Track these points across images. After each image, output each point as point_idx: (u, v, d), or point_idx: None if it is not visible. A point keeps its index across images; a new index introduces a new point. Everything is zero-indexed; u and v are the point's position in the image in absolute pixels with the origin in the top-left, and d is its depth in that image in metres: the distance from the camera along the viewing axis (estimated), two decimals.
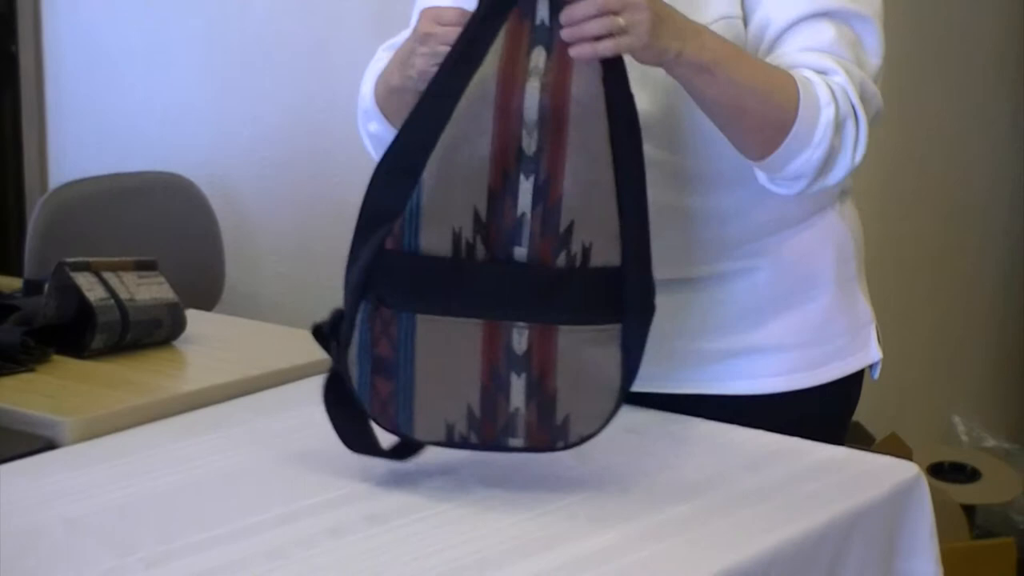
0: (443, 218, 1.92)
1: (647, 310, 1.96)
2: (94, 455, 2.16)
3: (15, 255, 3.22)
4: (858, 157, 2.13)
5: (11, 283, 2.87)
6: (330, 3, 3.32)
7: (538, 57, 1.91)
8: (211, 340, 2.61)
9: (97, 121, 3.69)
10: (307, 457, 2.12)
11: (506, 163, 1.92)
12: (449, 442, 1.98)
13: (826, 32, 2.16)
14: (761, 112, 2.07)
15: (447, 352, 1.95)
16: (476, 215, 1.92)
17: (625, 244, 1.93)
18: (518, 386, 1.94)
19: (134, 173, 3.41)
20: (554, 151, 1.91)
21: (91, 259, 2.56)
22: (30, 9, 3.73)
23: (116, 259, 2.58)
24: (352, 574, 1.77)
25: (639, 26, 1.91)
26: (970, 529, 3.56)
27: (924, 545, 2.08)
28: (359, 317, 1.95)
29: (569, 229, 1.92)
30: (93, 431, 2.22)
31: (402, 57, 2.12)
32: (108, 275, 2.53)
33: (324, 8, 3.33)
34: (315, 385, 2.36)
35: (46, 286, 2.59)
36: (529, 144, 1.91)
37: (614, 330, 1.94)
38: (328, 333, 2.01)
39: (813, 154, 2.09)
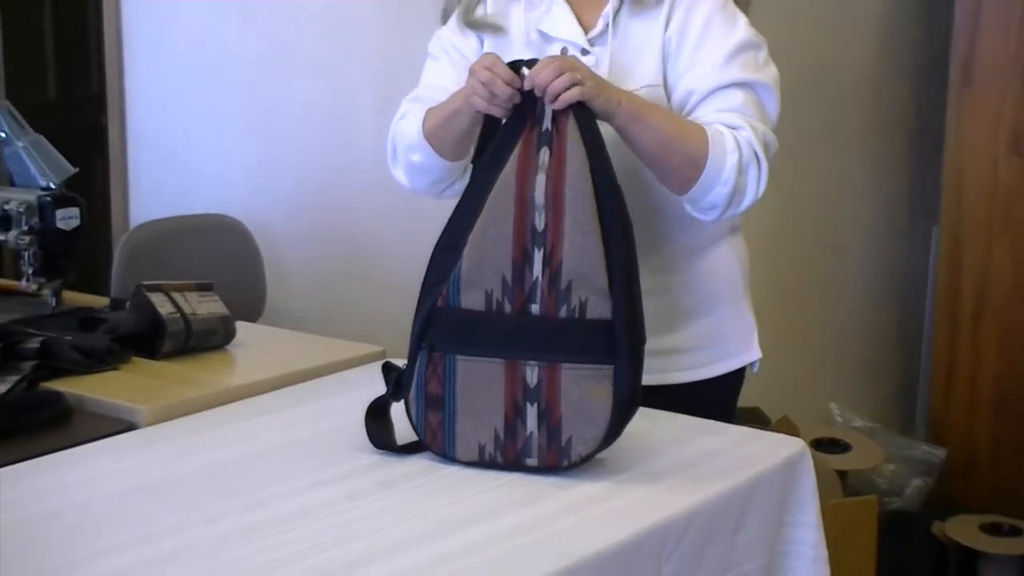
0: (479, 282, 1.96)
1: (636, 355, 1.97)
2: (163, 435, 2.15)
3: (104, 280, 3.19)
4: (760, 191, 2.18)
5: (101, 301, 2.86)
6: (347, 84, 3.30)
7: (543, 156, 1.97)
8: (255, 345, 2.60)
9: (167, 175, 3.67)
10: (330, 437, 2.12)
11: (524, 239, 1.96)
12: (481, 462, 1.98)
13: (736, 97, 2.20)
14: (681, 154, 2.13)
15: (479, 387, 1.97)
16: (504, 280, 1.96)
17: (615, 302, 1.94)
18: (532, 413, 1.95)
19: (195, 215, 3.40)
20: (555, 227, 1.95)
21: (162, 282, 2.54)
22: (116, 88, 3.72)
23: (181, 282, 2.56)
24: (364, 529, 1.76)
25: (588, 79, 2.00)
26: (843, 489, 3.56)
27: (808, 502, 2.07)
28: (418, 363, 1.99)
29: (568, 288, 1.95)
30: (163, 416, 2.21)
31: (464, 91, 2.11)
32: (175, 294, 2.52)
33: (343, 88, 3.32)
34: (336, 380, 2.44)
35: (127, 303, 2.58)
36: (539, 223, 1.95)
37: (608, 370, 1.94)
38: (394, 376, 2.04)
39: (723, 189, 2.14)
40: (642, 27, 2.26)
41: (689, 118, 2.20)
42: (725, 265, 2.42)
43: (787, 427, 3.58)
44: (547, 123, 1.99)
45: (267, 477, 1.94)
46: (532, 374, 1.95)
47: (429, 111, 2.24)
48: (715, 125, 2.15)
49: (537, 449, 1.95)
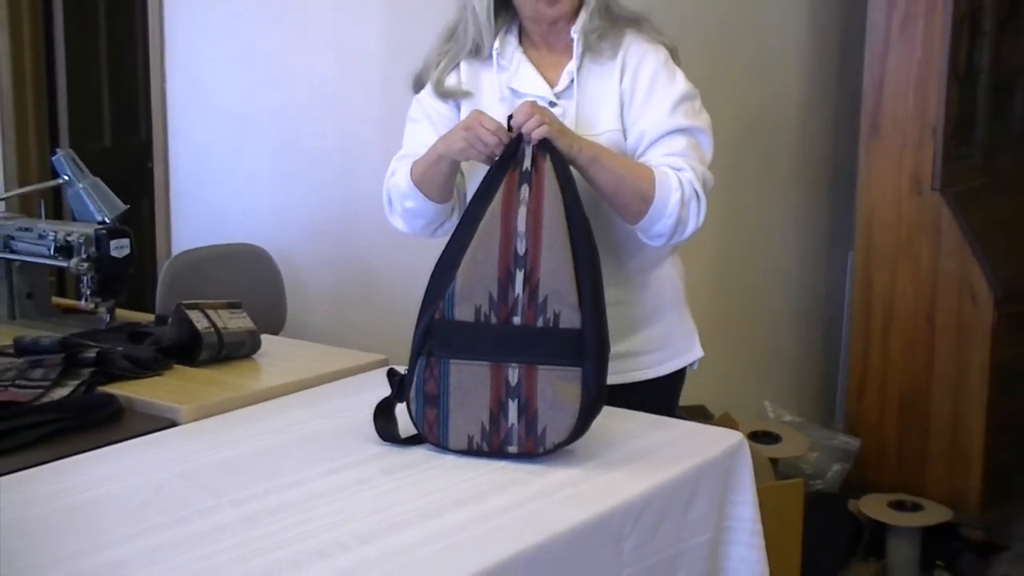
0: (470, 297, 1.98)
1: (601, 359, 1.98)
2: (200, 431, 2.14)
3: (150, 299, 3.18)
4: (700, 222, 2.20)
5: (147, 317, 2.84)
6: (355, 133, 3.30)
7: (524, 192, 2.00)
8: (277, 355, 2.59)
9: (203, 210, 3.66)
10: (341, 431, 2.11)
11: (508, 262, 1.98)
12: (469, 450, 1.98)
13: (679, 142, 2.22)
14: (632, 191, 2.15)
15: (468, 386, 1.98)
16: (490, 296, 1.98)
17: (584, 315, 1.96)
18: (513, 408, 1.96)
19: (226, 244, 3.38)
20: (534, 251, 1.98)
21: (199, 301, 2.54)
22: (161, 138, 3.71)
23: (215, 301, 2.56)
24: (370, 509, 1.76)
25: (553, 123, 2.06)
26: (775, 474, 3.55)
27: (746, 485, 2.08)
28: (418, 367, 2.00)
29: (545, 302, 1.97)
30: (200, 415, 2.20)
31: (448, 137, 2.14)
32: (210, 312, 2.51)
33: (351, 136, 3.32)
34: (346, 384, 2.43)
35: (170, 319, 2.57)
36: (521, 248, 1.97)
37: (577, 371, 1.95)
38: (397, 379, 2.05)
39: (668, 221, 2.16)
40: (599, 80, 2.27)
41: (641, 159, 2.22)
42: (669, 280, 2.43)
43: (728, 422, 3.58)
44: (527, 164, 2.01)
45: (287, 466, 1.93)
46: (513, 374, 1.96)
47: (414, 163, 2.26)
48: (662, 167, 2.17)
49: (517, 439, 1.96)
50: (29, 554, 1.61)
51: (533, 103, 2.10)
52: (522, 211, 1.99)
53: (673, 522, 1.91)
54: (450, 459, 1.97)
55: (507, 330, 1.97)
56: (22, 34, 4.27)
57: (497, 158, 2.05)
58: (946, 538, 3.90)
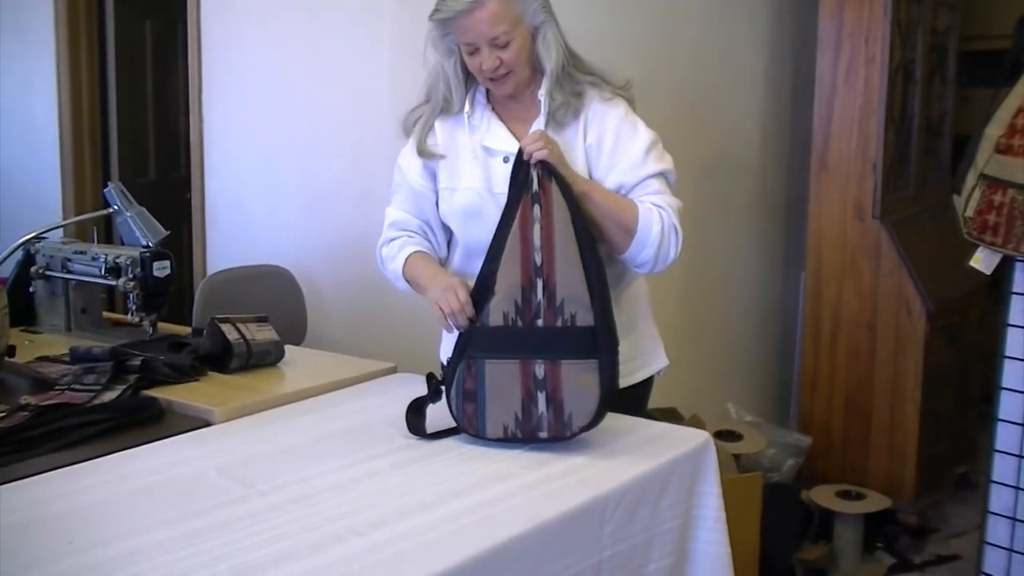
0: (500, 307, 1.99)
1: (613, 351, 1.99)
2: (232, 429, 2.13)
3: (188, 314, 3.17)
4: (678, 252, 2.19)
5: (185, 330, 2.84)
6: (370, 165, 3.30)
7: (536, 212, 2.00)
8: (299, 363, 2.58)
9: (234, 236, 3.65)
10: (355, 431, 2.10)
11: (529, 272, 1.99)
12: (505, 438, 1.99)
13: (653, 185, 2.20)
14: (617, 224, 2.14)
15: (501, 381, 1.99)
16: (516, 303, 1.99)
17: (596, 314, 1.98)
18: (541, 399, 1.97)
19: (255, 266, 3.38)
20: (549, 262, 1.99)
21: (230, 316, 2.53)
22: (199, 172, 3.72)
23: (244, 315, 2.55)
24: (381, 499, 1.75)
25: (555, 149, 2.05)
26: (737, 468, 3.54)
27: (712, 478, 2.06)
28: (460, 368, 2.01)
29: (562, 305, 1.98)
30: (232, 415, 2.19)
31: (434, 293, 2.10)
32: (240, 325, 2.51)
33: (366, 168, 3.32)
34: (361, 388, 2.41)
35: (205, 332, 2.56)
36: (538, 259, 1.98)
37: (593, 363, 1.97)
38: (435, 382, 2.06)
39: (649, 251, 2.15)
40: (564, 138, 2.20)
41: None
42: (640, 296, 2.41)
43: (696, 422, 3.57)
44: (535, 186, 2.01)
45: (308, 460, 1.92)
46: (540, 370, 1.97)
47: (408, 265, 2.26)
48: (646, 203, 2.15)
49: (547, 424, 1.97)
50: (88, 533, 1.61)
51: (543, 132, 2.10)
52: (536, 228, 1.99)
53: (647, 510, 1.90)
54: (451, 455, 1.96)
55: (532, 332, 1.98)
56: (80, 83, 4.28)
57: (510, 186, 2.05)
58: (885, 522, 3.90)
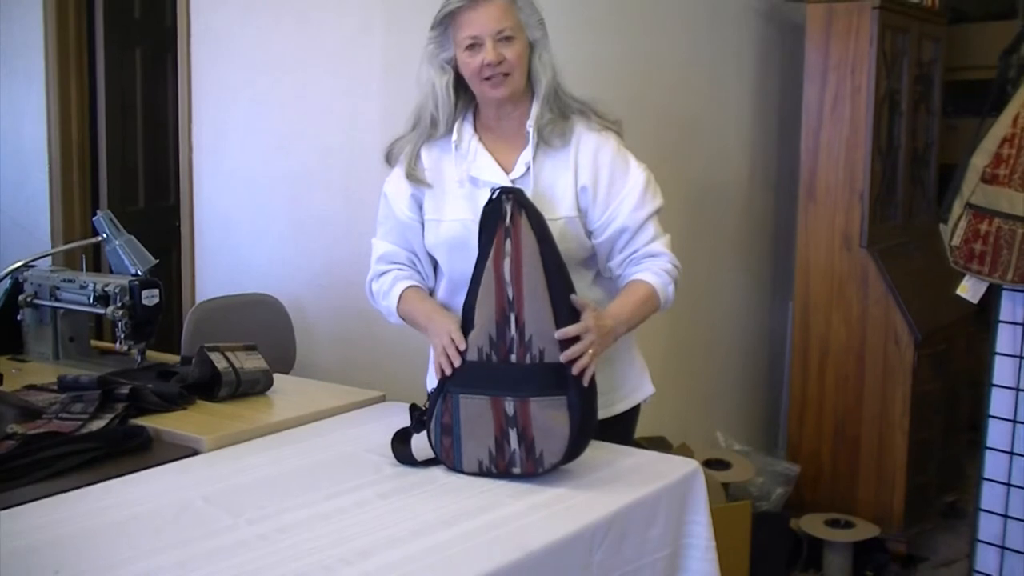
0: (475, 342, 1.98)
1: (581, 387, 1.97)
2: (220, 458, 2.12)
3: (176, 342, 3.16)
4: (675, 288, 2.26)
5: (174, 358, 2.83)
6: (358, 196, 3.31)
7: (507, 246, 1.99)
8: (288, 392, 2.57)
9: (223, 264, 3.65)
10: (342, 459, 2.10)
11: (503, 306, 1.98)
12: (480, 472, 1.98)
13: (652, 227, 2.24)
14: (649, 313, 2.21)
15: (475, 417, 1.98)
16: (491, 338, 1.98)
17: (563, 350, 1.96)
18: (513, 436, 1.96)
19: (243, 294, 3.37)
20: (519, 296, 1.97)
21: (219, 344, 2.52)
22: (188, 201, 3.71)
23: (233, 344, 2.55)
24: (369, 528, 1.75)
25: (596, 344, 1.99)
26: (726, 497, 3.54)
27: (701, 506, 2.06)
28: (439, 402, 2.01)
29: (530, 340, 1.97)
30: (220, 444, 2.18)
31: (433, 338, 2.09)
32: (228, 353, 2.50)
33: (354, 199, 3.32)
34: (349, 417, 2.40)
35: (193, 360, 2.55)
36: (510, 294, 1.97)
37: (563, 399, 1.96)
38: (418, 412, 2.06)
39: (668, 304, 2.24)
40: (553, 169, 2.20)
41: (628, 246, 2.22)
42: None
43: (685, 451, 3.57)
44: (507, 221, 2.00)
45: (297, 489, 1.92)
46: (511, 407, 1.96)
47: (403, 301, 2.26)
48: (655, 270, 2.20)
49: (520, 461, 1.96)
50: (74, 563, 1.60)
51: (587, 339, 1.98)
52: (507, 262, 1.98)
53: (636, 539, 1.90)
54: (437, 485, 1.95)
55: (503, 367, 1.97)
56: (70, 111, 4.28)
57: (486, 219, 2.03)
58: (874, 551, 3.90)
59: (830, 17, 4.04)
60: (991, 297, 3.01)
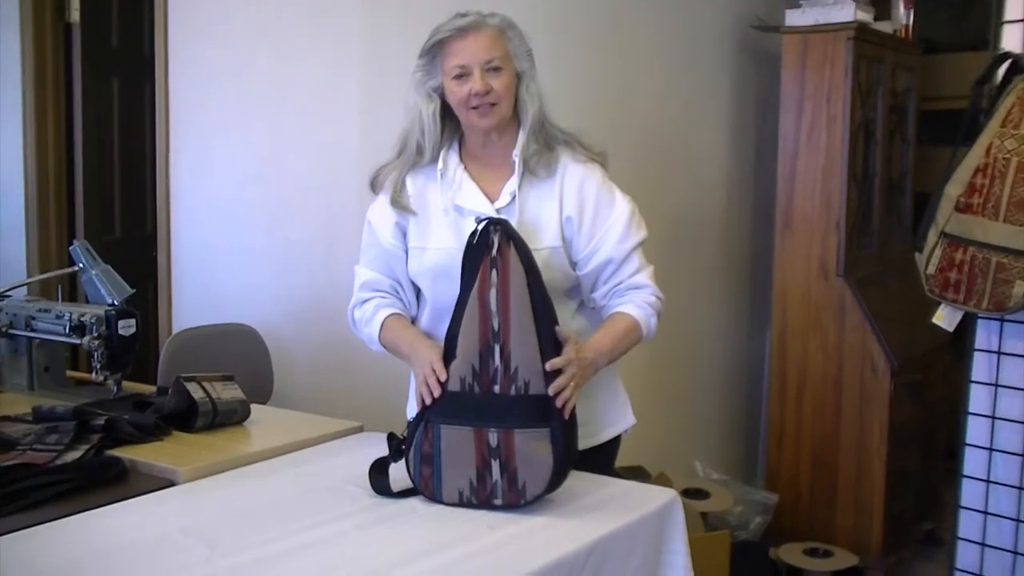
0: (458, 372, 1.98)
1: (562, 418, 1.97)
2: (197, 490, 2.11)
3: (153, 372, 3.14)
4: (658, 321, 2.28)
5: (150, 388, 2.82)
6: (335, 225, 3.30)
7: (493, 276, 1.98)
8: (265, 422, 2.56)
9: (200, 294, 3.63)
10: (322, 491, 2.09)
11: (487, 336, 1.97)
12: (460, 503, 1.97)
13: (636, 259, 2.26)
14: (631, 346, 2.24)
15: (456, 447, 1.97)
16: (474, 368, 1.97)
17: (547, 381, 1.97)
18: (496, 467, 1.95)
19: (220, 324, 3.35)
20: (504, 327, 1.97)
21: (195, 374, 2.51)
22: (164, 231, 3.70)
23: (210, 374, 2.53)
24: (345, 559, 1.74)
25: (578, 376, 2.01)
26: (704, 526, 3.54)
27: (679, 536, 2.06)
28: (418, 431, 1.99)
29: (516, 372, 1.96)
30: (196, 475, 2.17)
31: (416, 367, 2.10)
32: (205, 383, 2.49)
33: (332, 228, 3.32)
34: (327, 448, 2.39)
35: (170, 390, 2.53)
36: (495, 324, 1.97)
37: (546, 431, 1.95)
38: (396, 441, 2.05)
39: (651, 336, 2.25)
40: (538, 199, 2.22)
41: (614, 277, 2.24)
42: None
43: (664, 480, 3.57)
44: (495, 251, 1.99)
45: (274, 521, 1.90)
46: (493, 438, 1.95)
47: (385, 329, 2.26)
48: (635, 302, 2.22)
49: (502, 492, 1.95)
50: None
51: (570, 372, 1.99)
52: (493, 292, 1.97)
53: (616, 568, 1.89)
54: (416, 515, 1.95)
55: (487, 398, 1.96)
56: (47, 141, 4.26)
57: (471, 250, 2.03)
58: None
59: (805, 47, 4.09)
60: (966, 325, 3.03)
